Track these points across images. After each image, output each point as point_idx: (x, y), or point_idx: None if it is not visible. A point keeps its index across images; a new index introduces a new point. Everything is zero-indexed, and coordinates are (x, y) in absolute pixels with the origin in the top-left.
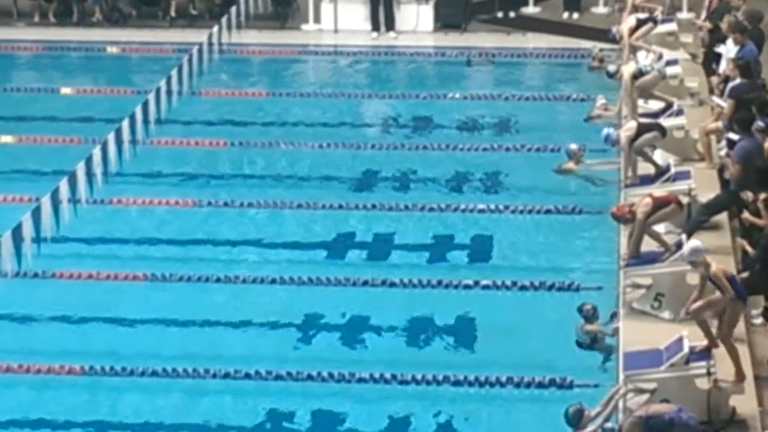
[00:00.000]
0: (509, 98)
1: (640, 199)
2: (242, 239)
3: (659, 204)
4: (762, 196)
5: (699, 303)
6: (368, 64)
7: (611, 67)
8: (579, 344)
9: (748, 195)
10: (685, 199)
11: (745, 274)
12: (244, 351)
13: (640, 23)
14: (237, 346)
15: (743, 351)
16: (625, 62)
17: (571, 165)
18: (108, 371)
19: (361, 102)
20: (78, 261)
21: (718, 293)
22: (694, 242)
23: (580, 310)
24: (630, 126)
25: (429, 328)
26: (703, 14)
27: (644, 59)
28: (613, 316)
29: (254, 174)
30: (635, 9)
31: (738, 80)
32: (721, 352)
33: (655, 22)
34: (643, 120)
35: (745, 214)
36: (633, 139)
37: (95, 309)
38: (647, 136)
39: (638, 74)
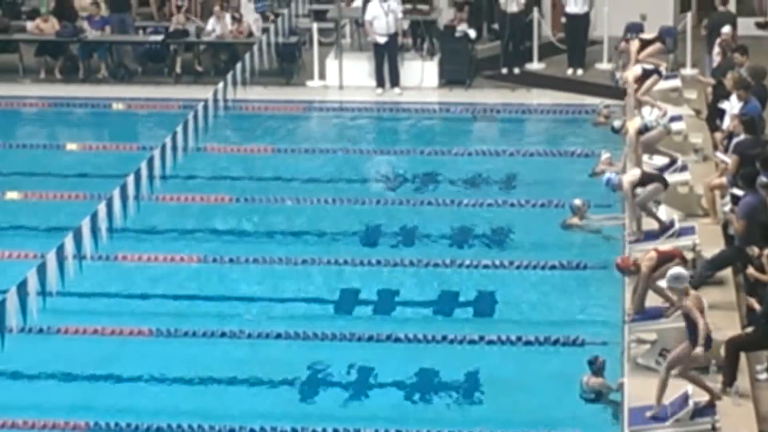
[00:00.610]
0: (514, 154)
1: (645, 253)
2: (247, 295)
3: (664, 258)
4: (767, 251)
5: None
6: (373, 120)
7: (616, 123)
8: (583, 398)
9: (753, 250)
10: (689, 255)
11: (749, 329)
12: (249, 406)
13: (646, 73)
14: (242, 402)
15: (748, 407)
16: (630, 118)
17: (575, 220)
18: (113, 427)
19: (365, 158)
20: (83, 316)
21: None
22: (677, 269)
23: (591, 363)
24: (634, 172)
25: (434, 383)
26: (707, 71)
27: (649, 115)
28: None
29: (258, 230)
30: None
31: (742, 136)
32: (726, 407)
33: (660, 74)
34: (646, 170)
35: (750, 270)
36: (635, 186)
37: (100, 364)
38: (650, 188)
39: (643, 129)
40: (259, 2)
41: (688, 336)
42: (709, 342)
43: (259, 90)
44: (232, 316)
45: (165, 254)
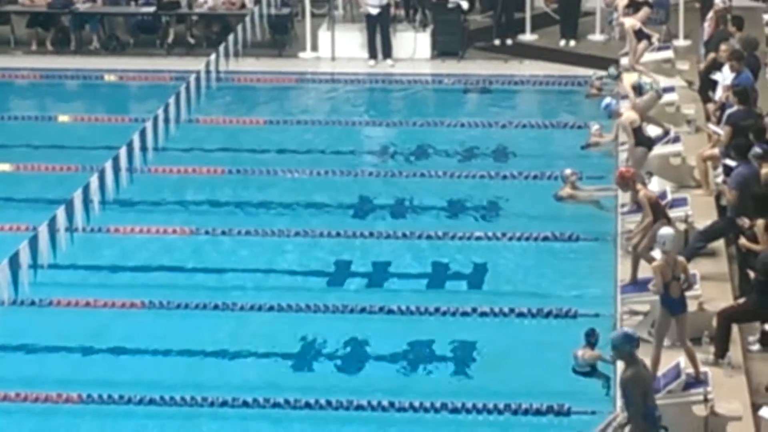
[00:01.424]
0: (506, 126)
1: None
2: (239, 267)
3: (655, 205)
4: (760, 222)
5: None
6: (365, 92)
7: (611, 70)
8: (576, 372)
9: (744, 221)
10: (682, 226)
11: (741, 300)
12: (242, 378)
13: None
14: (235, 374)
15: (740, 378)
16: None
17: (567, 190)
18: (106, 399)
19: (358, 129)
20: (75, 289)
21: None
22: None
23: (588, 335)
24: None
25: (427, 355)
26: (701, 43)
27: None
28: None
29: (251, 201)
30: (635, 34)
31: (735, 107)
32: (718, 378)
33: (650, 40)
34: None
35: (742, 240)
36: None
37: (93, 337)
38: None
39: (637, 87)
40: None
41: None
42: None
43: (251, 61)
44: (225, 288)
45: (157, 226)
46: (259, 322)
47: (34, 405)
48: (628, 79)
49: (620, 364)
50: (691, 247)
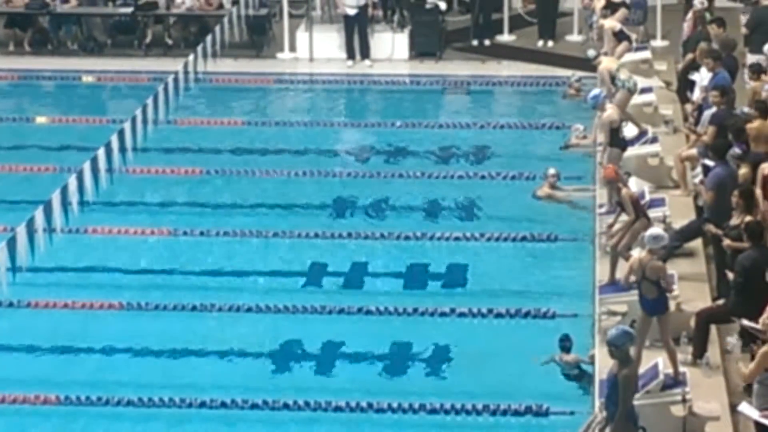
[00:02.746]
0: (484, 126)
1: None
2: (217, 268)
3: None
4: (740, 220)
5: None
6: (343, 93)
7: (590, 52)
8: (566, 376)
9: (710, 229)
10: (660, 227)
11: (720, 302)
12: (220, 379)
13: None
14: (212, 375)
15: (718, 379)
16: (605, 46)
17: (545, 189)
18: (84, 401)
19: (336, 130)
20: (53, 290)
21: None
22: (655, 230)
23: (562, 340)
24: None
25: (405, 356)
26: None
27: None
28: None
29: (229, 202)
30: (615, 36)
31: (714, 108)
32: (696, 379)
33: (630, 42)
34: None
35: (727, 242)
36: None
37: (71, 338)
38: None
39: (612, 80)
40: None
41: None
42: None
43: (229, 62)
44: (203, 289)
45: (135, 227)
46: (237, 323)
47: (11, 406)
48: (606, 63)
49: (598, 362)
50: (668, 246)
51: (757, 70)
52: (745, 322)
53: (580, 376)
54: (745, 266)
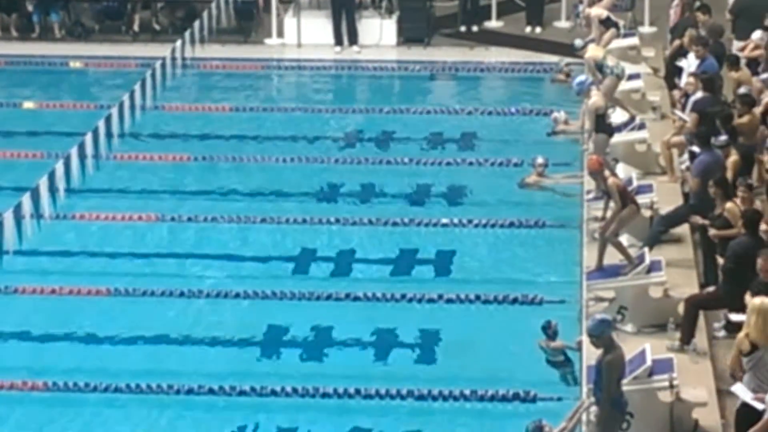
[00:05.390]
0: (472, 112)
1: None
2: (205, 253)
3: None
4: (729, 205)
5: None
6: (331, 78)
7: (577, 42)
8: (551, 363)
9: (696, 219)
10: (647, 213)
11: (711, 288)
12: (208, 366)
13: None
14: (200, 361)
15: (705, 364)
16: (593, 33)
17: (533, 178)
18: (71, 387)
19: (324, 116)
20: (40, 276)
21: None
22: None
23: (545, 328)
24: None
25: (393, 341)
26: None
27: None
28: None
29: (217, 188)
30: (602, 23)
31: (699, 94)
32: (684, 364)
33: (618, 29)
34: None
35: (713, 231)
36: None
37: (58, 324)
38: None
39: (599, 68)
40: None
41: None
42: None
43: (216, 48)
44: (191, 275)
45: (123, 213)
46: (225, 309)
47: None
48: (593, 52)
49: (585, 348)
50: (654, 231)
51: (734, 62)
52: (733, 316)
53: (565, 363)
54: (737, 252)
